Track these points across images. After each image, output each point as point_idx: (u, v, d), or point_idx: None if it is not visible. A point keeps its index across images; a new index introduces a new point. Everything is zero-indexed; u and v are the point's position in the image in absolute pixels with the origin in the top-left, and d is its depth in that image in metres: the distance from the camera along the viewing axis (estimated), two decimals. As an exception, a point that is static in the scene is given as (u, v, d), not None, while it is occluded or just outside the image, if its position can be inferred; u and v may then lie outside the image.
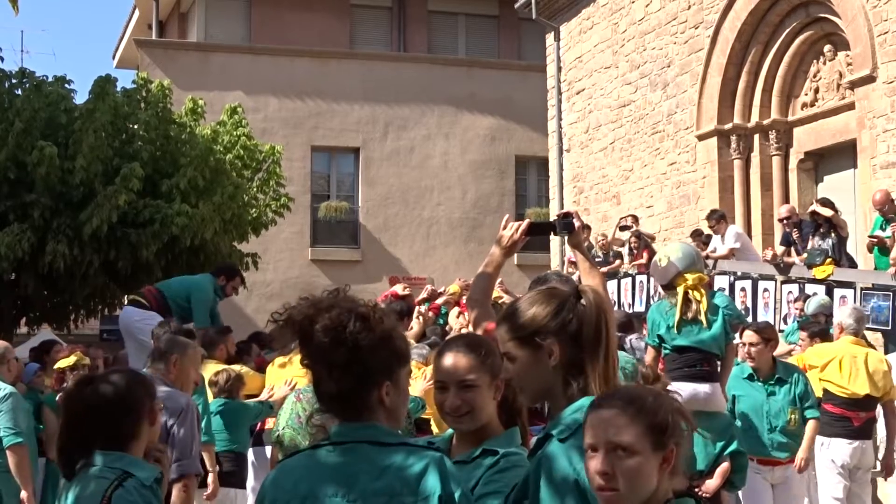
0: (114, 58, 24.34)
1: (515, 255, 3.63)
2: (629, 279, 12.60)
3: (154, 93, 13.75)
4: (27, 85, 12.94)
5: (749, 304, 10.77)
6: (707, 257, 11.10)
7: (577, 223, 3.41)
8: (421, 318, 6.96)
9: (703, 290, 5.23)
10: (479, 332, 3.32)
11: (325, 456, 1.95)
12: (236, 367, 5.98)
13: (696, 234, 12.23)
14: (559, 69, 17.28)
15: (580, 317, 2.08)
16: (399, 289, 7.45)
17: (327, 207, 19.67)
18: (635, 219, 13.76)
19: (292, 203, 15.65)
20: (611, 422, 1.78)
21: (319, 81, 19.86)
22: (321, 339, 1.95)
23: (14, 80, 13.02)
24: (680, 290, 5.15)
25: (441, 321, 7.59)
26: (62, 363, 7.60)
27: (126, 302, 7.49)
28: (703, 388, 5.08)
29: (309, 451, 2.00)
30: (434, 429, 5.88)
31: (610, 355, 2.09)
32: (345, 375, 1.95)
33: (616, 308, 10.86)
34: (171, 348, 4.49)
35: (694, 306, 5.10)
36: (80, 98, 13.23)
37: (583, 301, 2.11)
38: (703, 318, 5.10)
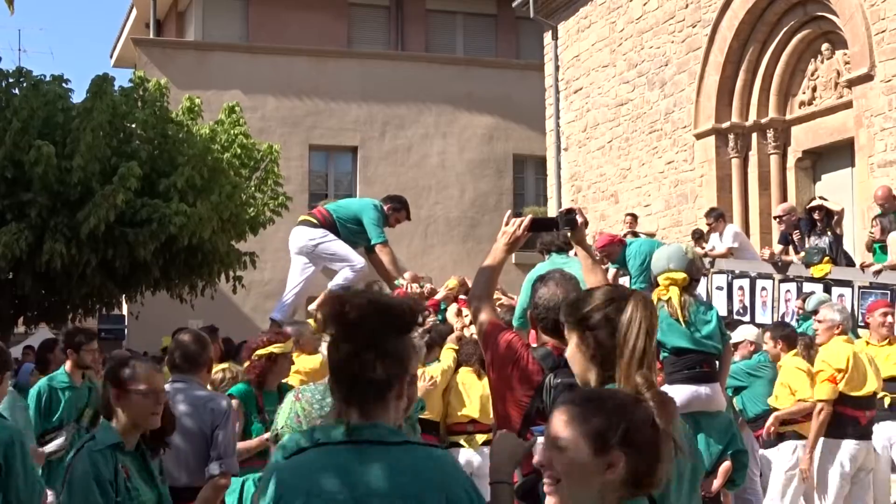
0: (111, 57, 24.31)
1: (513, 253, 3.60)
2: (629, 279, 12.57)
3: (152, 92, 13.72)
4: (24, 84, 12.90)
5: (747, 303, 10.75)
6: (705, 256, 11.08)
7: (579, 219, 3.38)
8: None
9: (675, 292, 5.11)
10: (478, 326, 3.30)
11: (337, 454, 1.92)
12: (235, 367, 5.95)
13: (697, 236, 12.18)
14: (557, 68, 17.26)
15: (621, 316, 2.32)
16: (409, 280, 7.42)
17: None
18: (633, 218, 13.75)
19: (290, 202, 15.62)
20: (556, 418, 1.87)
21: (317, 80, 19.83)
22: (379, 324, 1.95)
23: (11, 80, 12.98)
24: (654, 294, 5.13)
25: (439, 318, 7.54)
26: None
27: (297, 222, 7.60)
28: (703, 389, 5.05)
29: (322, 449, 1.96)
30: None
31: (644, 358, 2.27)
32: (394, 363, 1.96)
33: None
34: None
35: (667, 309, 5.02)
36: (78, 97, 13.21)
37: (630, 303, 2.33)
38: (694, 318, 5.03)
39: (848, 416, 6.20)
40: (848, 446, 6.21)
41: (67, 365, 6.19)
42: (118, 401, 3.32)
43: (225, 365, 5.76)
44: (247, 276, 14.75)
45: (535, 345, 3.26)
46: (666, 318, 5.04)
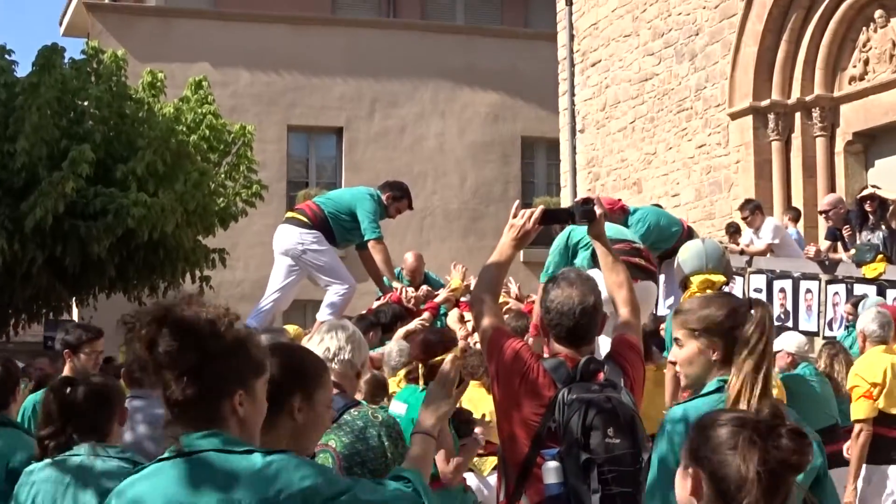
0: (61, 25, 24.27)
1: (521, 250, 3.59)
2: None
3: (107, 65, 13.70)
4: (-40, 56, 12.90)
5: (789, 307, 10.74)
6: (741, 253, 11.05)
7: (598, 210, 3.37)
8: (425, 323, 6.95)
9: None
10: (481, 333, 3.28)
11: (169, 469, 2.11)
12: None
13: (733, 230, 12.16)
14: (571, 38, 17.23)
15: (747, 325, 2.73)
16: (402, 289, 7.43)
17: (306, 196, 19.61)
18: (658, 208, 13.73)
19: (266, 191, 15.61)
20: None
21: (297, 52, 19.81)
22: (169, 343, 2.13)
23: (-55, 51, 12.98)
24: (684, 296, 5.12)
25: (439, 324, 7.52)
26: None
27: (284, 219, 7.66)
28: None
29: (154, 465, 2.14)
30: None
31: (761, 366, 2.69)
32: (193, 382, 2.14)
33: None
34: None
35: None
36: (23, 71, 13.19)
37: (753, 312, 2.75)
38: None
39: (890, 438, 6.13)
40: (894, 472, 6.16)
41: (65, 370, 6.00)
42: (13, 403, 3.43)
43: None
44: (215, 276, 14.72)
45: (546, 355, 3.24)
46: None
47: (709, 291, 5.04)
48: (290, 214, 7.68)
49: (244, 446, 2.13)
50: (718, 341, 2.81)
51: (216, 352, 2.16)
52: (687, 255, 5.28)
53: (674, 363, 2.97)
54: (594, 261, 6.76)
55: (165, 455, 2.16)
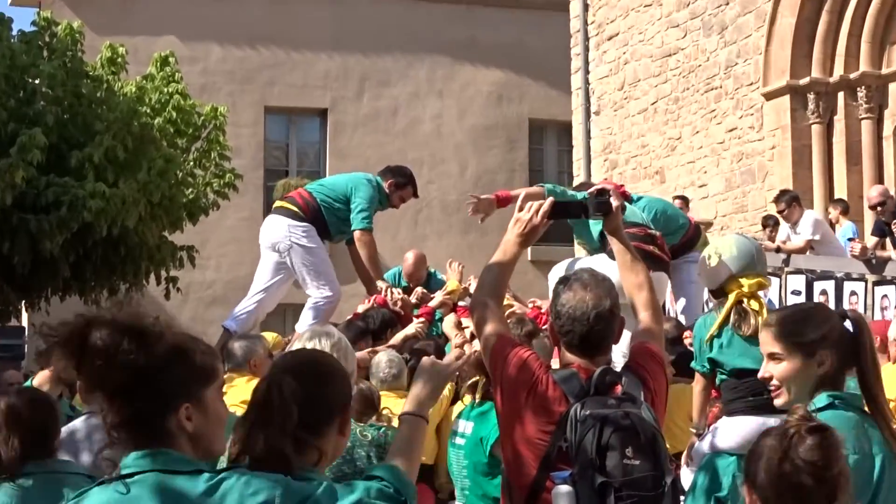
0: (8, -8, 24.25)
1: (529, 248, 3.60)
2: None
3: (61, 38, 13.68)
4: None
5: (832, 311, 10.75)
6: (777, 250, 11.07)
7: (614, 203, 3.38)
8: (422, 329, 6.96)
9: (761, 300, 5.22)
10: (483, 341, 3.29)
11: (112, 492, 2.13)
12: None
13: (773, 222, 12.17)
14: (586, 8, 17.24)
15: (848, 335, 2.94)
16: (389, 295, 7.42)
17: (286, 186, 19.60)
18: (684, 201, 13.75)
19: (240, 181, 15.60)
20: None
21: (275, 24, 19.81)
22: (95, 363, 2.15)
23: None
24: (731, 298, 5.14)
25: (434, 330, 7.53)
26: None
27: (274, 209, 7.71)
28: (772, 421, 5.06)
29: (97, 488, 2.17)
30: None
31: (867, 376, 2.92)
32: (126, 402, 2.17)
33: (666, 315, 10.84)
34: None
35: (752, 321, 5.08)
36: (-35, 44, 13.15)
37: (848, 322, 2.94)
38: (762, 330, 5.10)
39: None
40: None
41: (40, 377, 5.99)
42: None
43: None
44: (183, 276, 14.73)
45: (556, 366, 3.25)
46: (726, 331, 5.07)
47: (761, 295, 5.09)
48: (279, 204, 7.70)
49: (191, 466, 2.16)
50: (828, 354, 2.93)
51: (148, 366, 2.17)
52: (733, 252, 5.28)
53: (768, 379, 3.04)
54: (602, 243, 6.80)
55: (102, 479, 2.18)
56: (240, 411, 5.24)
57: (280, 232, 7.36)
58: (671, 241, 7.80)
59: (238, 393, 5.68)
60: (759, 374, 3.07)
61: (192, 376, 2.24)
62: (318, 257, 7.35)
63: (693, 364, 5.45)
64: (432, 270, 8.80)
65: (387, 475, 2.41)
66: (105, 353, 2.15)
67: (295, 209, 7.37)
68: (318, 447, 2.44)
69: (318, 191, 7.50)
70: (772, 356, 3.01)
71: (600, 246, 6.96)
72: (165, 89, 14.59)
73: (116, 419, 2.19)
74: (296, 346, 3.54)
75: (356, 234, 7.34)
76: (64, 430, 4.06)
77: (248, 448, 2.44)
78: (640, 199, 8.22)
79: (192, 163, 14.81)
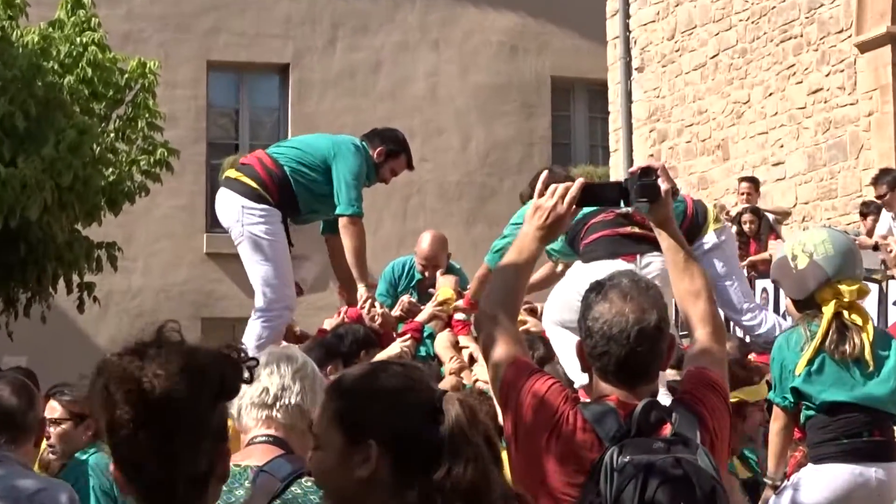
0: None
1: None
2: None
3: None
4: None
5: (947, 327, 10.76)
6: (874, 248, 11.06)
7: (663, 186, 3.38)
8: (408, 350, 6.96)
9: (865, 312, 5.23)
10: (491, 368, 3.28)
11: None
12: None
13: (874, 209, 12.17)
14: (624, -67, 17.28)
15: None
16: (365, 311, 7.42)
17: (234, 165, 19.60)
18: (753, 184, 13.74)
19: (176, 158, 15.56)
20: None
21: (221, -46, 19.84)
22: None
23: None
24: (828, 310, 5.14)
25: (423, 352, 7.54)
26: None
27: (222, 180, 7.65)
28: (872, 471, 5.07)
29: None
30: None
31: None
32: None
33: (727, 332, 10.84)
34: None
35: (855, 339, 5.09)
36: None
37: None
38: (868, 356, 5.10)
39: None
40: None
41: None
42: None
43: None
44: (102, 282, 14.69)
45: (585, 399, 3.25)
46: (821, 355, 5.07)
47: (859, 308, 5.11)
48: (230, 174, 7.63)
49: None
50: None
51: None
52: (828, 250, 5.28)
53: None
54: (571, 245, 6.77)
55: None
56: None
57: (230, 214, 7.28)
58: None
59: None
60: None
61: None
62: (276, 252, 7.23)
63: (770, 396, 5.45)
64: (457, 264, 8.72)
65: None
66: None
67: (252, 183, 7.25)
68: None
69: (285, 155, 7.39)
70: None
71: (568, 248, 6.94)
72: (78, 39, 14.56)
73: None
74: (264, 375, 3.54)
75: (342, 222, 7.26)
76: None
77: None
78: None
79: (113, 134, 14.78)
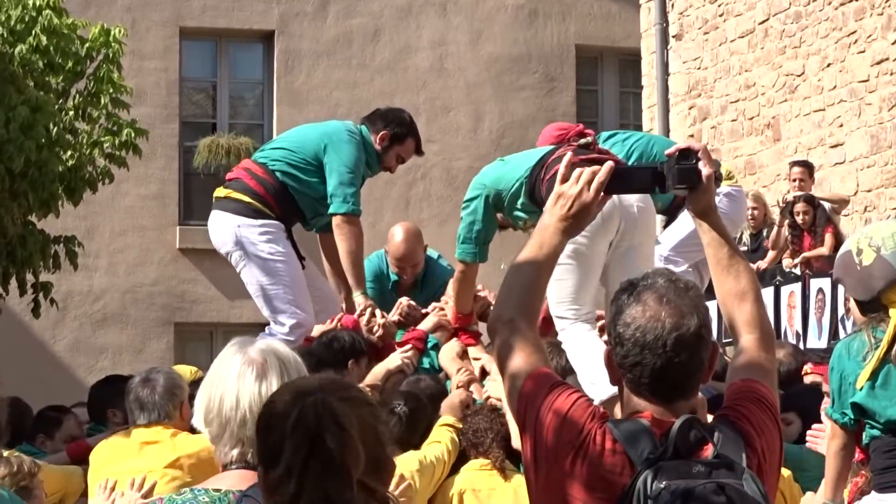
0: None
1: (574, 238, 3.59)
2: (795, 285, 12.60)
3: None
4: None
5: None
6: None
7: (705, 171, 3.39)
8: (409, 362, 7.00)
9: None
10: (507, 380, 3.30)
11: None
12: (26, 458, 6.07)
13: None
14: None
15: None
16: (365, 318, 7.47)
17: (212, 148, 19.64)
18: (807, 169, 13.77)
19: (144, 140, 15.59)
20: None
21: None
22: None
23: None
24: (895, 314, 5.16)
25: (427, 363, 7.56)
26: None
27: (214, 201, 7.69)
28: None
29: None
30: None
31: None
32: None
33: (778, 338, 10.86)
34: None
35: None
36: None
37: None
38: None
39: None
40: None
41: None
42: None
43: (7, 453, 5.86)
44: (60, 283, 14.73)
45: (617, 414, 3.26)
46: (887, 366, 5.09)
47: None
48: (218, 193, 7.66)
49: None
50: None
51: None
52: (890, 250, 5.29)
53: None
54: (531, 197, 6.74)
55: None
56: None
57: (226, 238, 7.35)
58: (661, 205, 7.77)
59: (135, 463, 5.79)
60: None
61: None
62: (286, 272, 7.31)
63: (828, 411, 5.46)
64: (435, 254, 8.73)
65: None
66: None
67: (245, 198, 7.33)
68: None
69: (272, 158, 7.47)
70: None
71: (530, 204, 6.91)
72: (31, 2, 14.60)
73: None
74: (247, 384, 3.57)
75: (336, 220, 7.35)
76: None
77: None
78: (612, 135, 8.22)
79: (72, 112, 14.81)
